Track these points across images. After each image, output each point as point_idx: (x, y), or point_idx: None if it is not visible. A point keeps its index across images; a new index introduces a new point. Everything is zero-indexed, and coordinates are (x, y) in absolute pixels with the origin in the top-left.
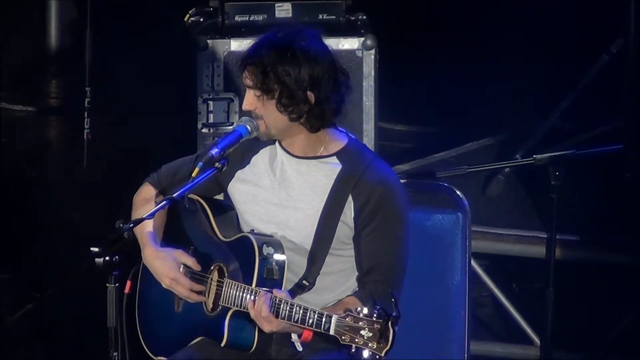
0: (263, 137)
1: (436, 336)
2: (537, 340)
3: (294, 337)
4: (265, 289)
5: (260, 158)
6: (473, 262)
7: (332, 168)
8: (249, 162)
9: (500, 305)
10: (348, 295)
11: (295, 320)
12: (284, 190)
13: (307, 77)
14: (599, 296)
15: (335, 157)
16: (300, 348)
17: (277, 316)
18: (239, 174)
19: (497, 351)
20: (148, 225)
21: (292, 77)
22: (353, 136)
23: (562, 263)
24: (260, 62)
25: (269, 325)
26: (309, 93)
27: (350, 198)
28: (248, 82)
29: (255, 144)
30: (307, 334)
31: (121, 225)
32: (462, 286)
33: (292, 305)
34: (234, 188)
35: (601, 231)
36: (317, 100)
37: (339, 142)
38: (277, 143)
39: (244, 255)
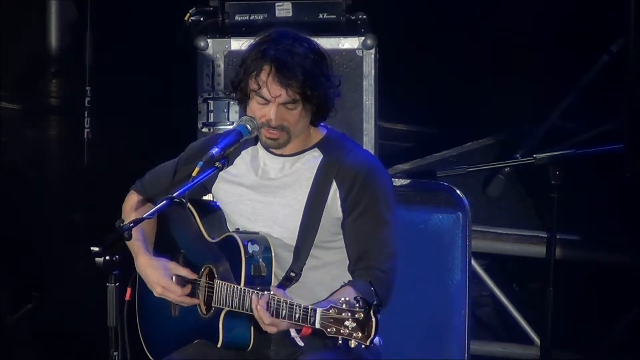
0: (276, 148)
1: (436, 336)
2: (537, 340)
3: (293, 332)
4: (257, 289)
5: (242, 159)
6: (473, 262)
7: (314, 159)
8: (231, 164)
9: (500, 305)
10: (344, 285)
11: (283, 316)
12: (269, 189)
13: (329, 78)
14: (599, 296)
15: (316, 148)
16: (301, 343)
17: (277, 316)
18: (222, 174)
19: (497, 351)
20: (139, 234)
21: (325, 83)
22: (330, 127)
23: (562, 263)
24: (304, 81)
25: (274, 328)
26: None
27: (334, 185)
28: (285, 98)
29: (236, 147)
30: (307, 329)
31: (121, 225)
32: (462, 286)
33: (283, 302)
34: (218, 189)
35: (601, 231)
36: (327, 98)
37: (318, 134)
38: (258, 144)
39: (231, 255)
